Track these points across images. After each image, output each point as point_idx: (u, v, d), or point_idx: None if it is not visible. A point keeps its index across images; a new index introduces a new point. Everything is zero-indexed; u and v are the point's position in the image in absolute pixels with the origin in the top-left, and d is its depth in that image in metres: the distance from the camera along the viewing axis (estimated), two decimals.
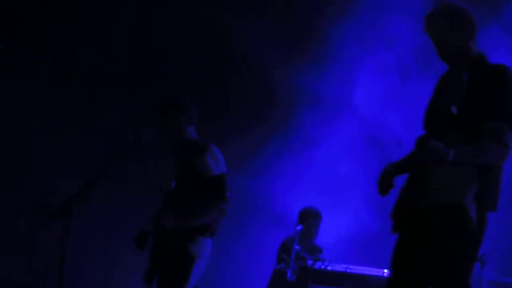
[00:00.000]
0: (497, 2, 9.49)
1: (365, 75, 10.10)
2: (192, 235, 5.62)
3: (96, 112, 9.79)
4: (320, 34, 9.96)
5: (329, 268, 7.55)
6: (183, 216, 5.61)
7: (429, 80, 4.65)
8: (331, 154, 10.06)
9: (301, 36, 10.15)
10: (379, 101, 10.02)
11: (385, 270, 7.53)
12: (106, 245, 9.58)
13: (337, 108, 10.16)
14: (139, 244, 5.67)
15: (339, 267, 7.58)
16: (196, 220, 5.61)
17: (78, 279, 8.79)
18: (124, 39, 9.96)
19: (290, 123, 10.19)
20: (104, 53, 9.92)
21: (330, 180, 9.89)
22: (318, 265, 7.56)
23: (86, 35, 9.87)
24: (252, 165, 9.87)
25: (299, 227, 8.02)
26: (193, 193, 5.70)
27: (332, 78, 10.03)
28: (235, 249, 9.63)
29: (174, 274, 5.58)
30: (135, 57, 10.03)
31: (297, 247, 7.81)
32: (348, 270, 7.56)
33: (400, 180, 4.43)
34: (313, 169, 10.04)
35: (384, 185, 4.38)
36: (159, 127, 5.89)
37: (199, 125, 6.07)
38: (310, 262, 7.61)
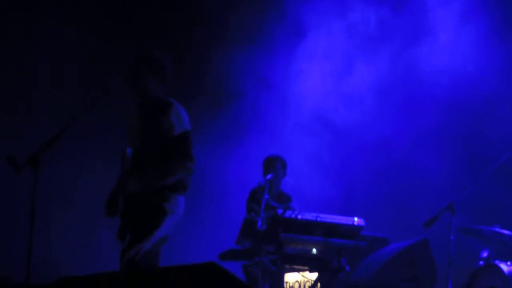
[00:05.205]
0: None
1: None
2: (164, 193, 5.57)
3: (67, 66, 9.70)
4: None
5: (299, 217, 7.56)
6: (149, 177, 5.52)
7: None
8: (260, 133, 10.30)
9: None
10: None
11: (355, 219, 7.59)
12: (72, 197, 9.57)
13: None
14: (110, 209, 5.57)
15: (310, 216, 7.59)
16: (162, 180, 5.53)
17: (48, 230, 8.78)
18: None
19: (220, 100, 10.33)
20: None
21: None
22: (288, 214, 7.55)
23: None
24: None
25: (269, 176, 7.99)
26: (158, 152, 5.61)
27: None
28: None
29: (145, 223, 5.53)
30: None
31: (266, 196, 7.80)
32: (318, 219, 7.58)
33: None
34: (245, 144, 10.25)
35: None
36: (127, 82, 5.75)
37: None
38: (280, 211, 7.61)
